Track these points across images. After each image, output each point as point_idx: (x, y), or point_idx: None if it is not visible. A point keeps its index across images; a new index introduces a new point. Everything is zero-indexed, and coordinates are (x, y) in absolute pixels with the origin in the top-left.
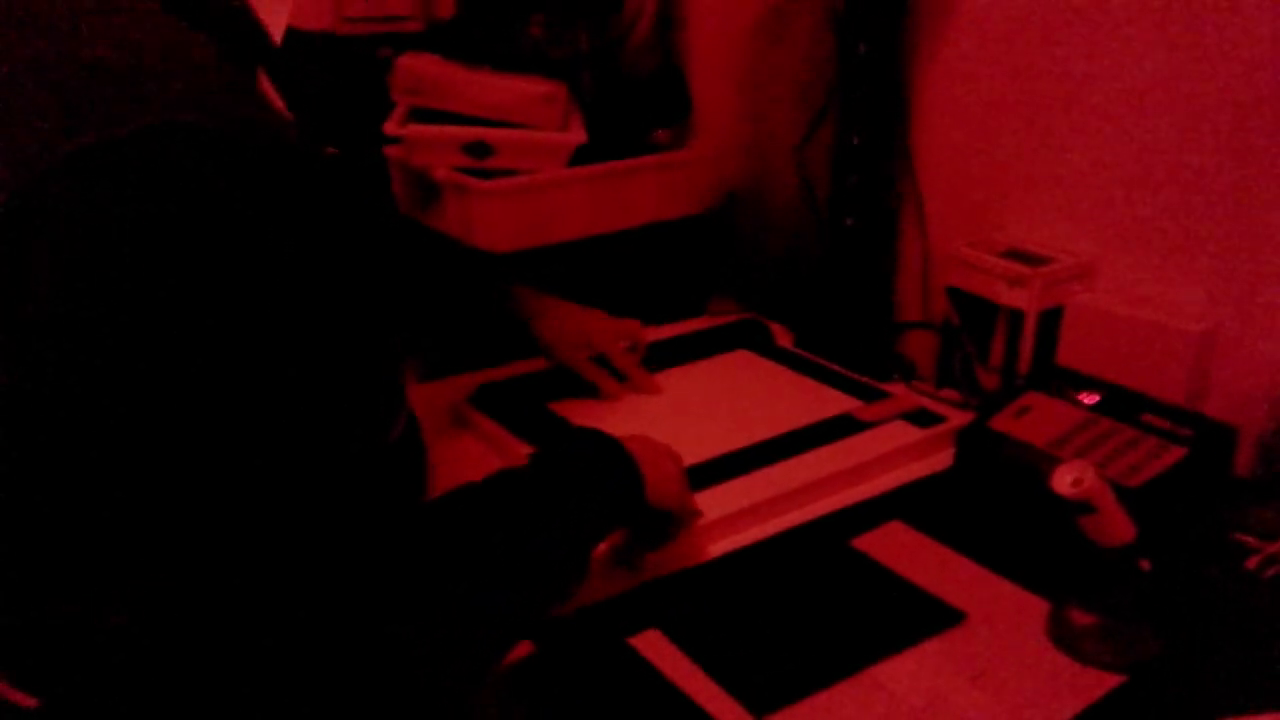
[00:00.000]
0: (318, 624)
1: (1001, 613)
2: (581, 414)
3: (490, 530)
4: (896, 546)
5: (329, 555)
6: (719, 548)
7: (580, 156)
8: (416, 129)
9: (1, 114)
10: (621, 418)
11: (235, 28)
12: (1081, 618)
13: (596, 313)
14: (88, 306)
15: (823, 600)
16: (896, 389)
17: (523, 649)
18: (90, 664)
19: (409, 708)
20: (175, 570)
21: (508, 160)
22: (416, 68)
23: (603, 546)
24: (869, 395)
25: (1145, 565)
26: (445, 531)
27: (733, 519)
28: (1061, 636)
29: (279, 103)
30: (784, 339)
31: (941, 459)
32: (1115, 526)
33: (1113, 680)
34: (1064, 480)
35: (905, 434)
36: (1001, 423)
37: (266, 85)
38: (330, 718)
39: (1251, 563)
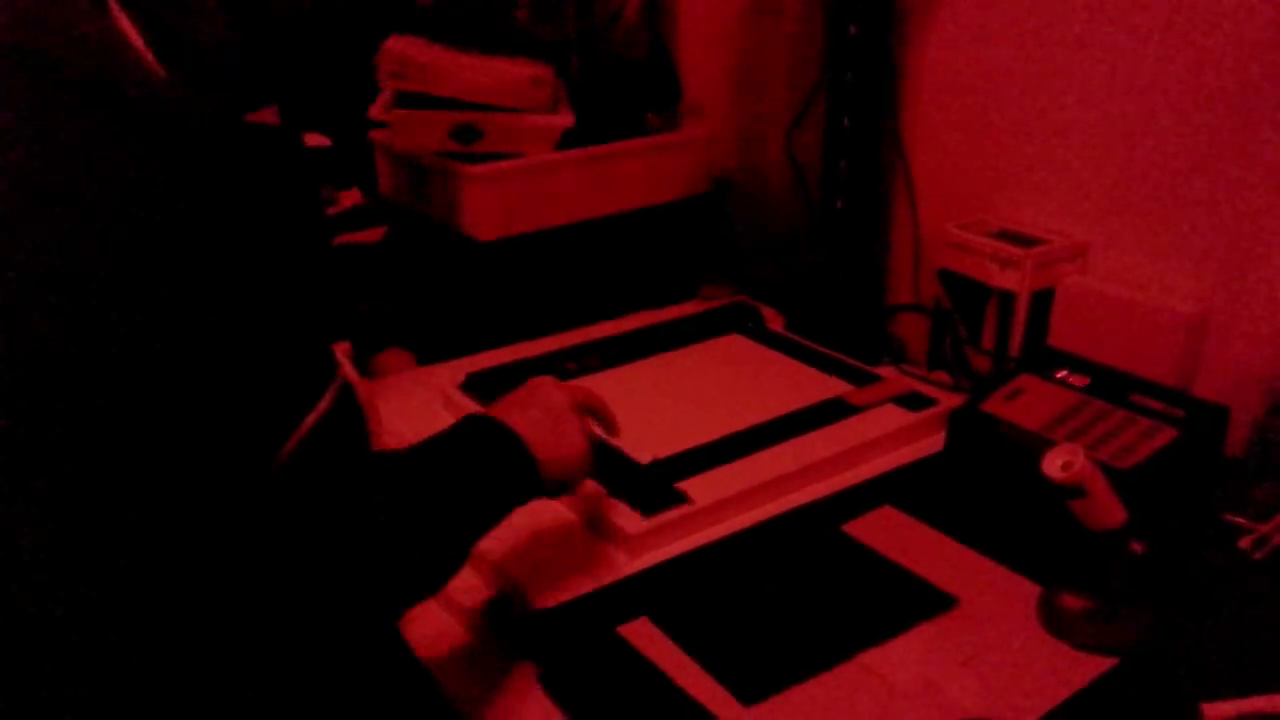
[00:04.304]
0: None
1: (993, 597)
2: None
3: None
4: (888, 531)
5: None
6: (709, 534)
7: (569, 140)
8: (403, 113)
9: None
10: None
11: None
12: (1073, 601)
13: None
14: None
15: (813, 586)
16: (888, 372)
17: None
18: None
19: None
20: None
21: (496, 144)
22: (403, 51)
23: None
24: (860, 379)
25: (1138, 548)
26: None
27: (723, 505)
28: (1053, 620)
29: (139, 43)
30: (775, 323)
31: (933, 443)
32: (1106, 510)
33: (1104, 663)
34: (1054, 464)
35: (896, 418)
36: (993, 406)
37: (125, 23)
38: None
39: (1244, 543)
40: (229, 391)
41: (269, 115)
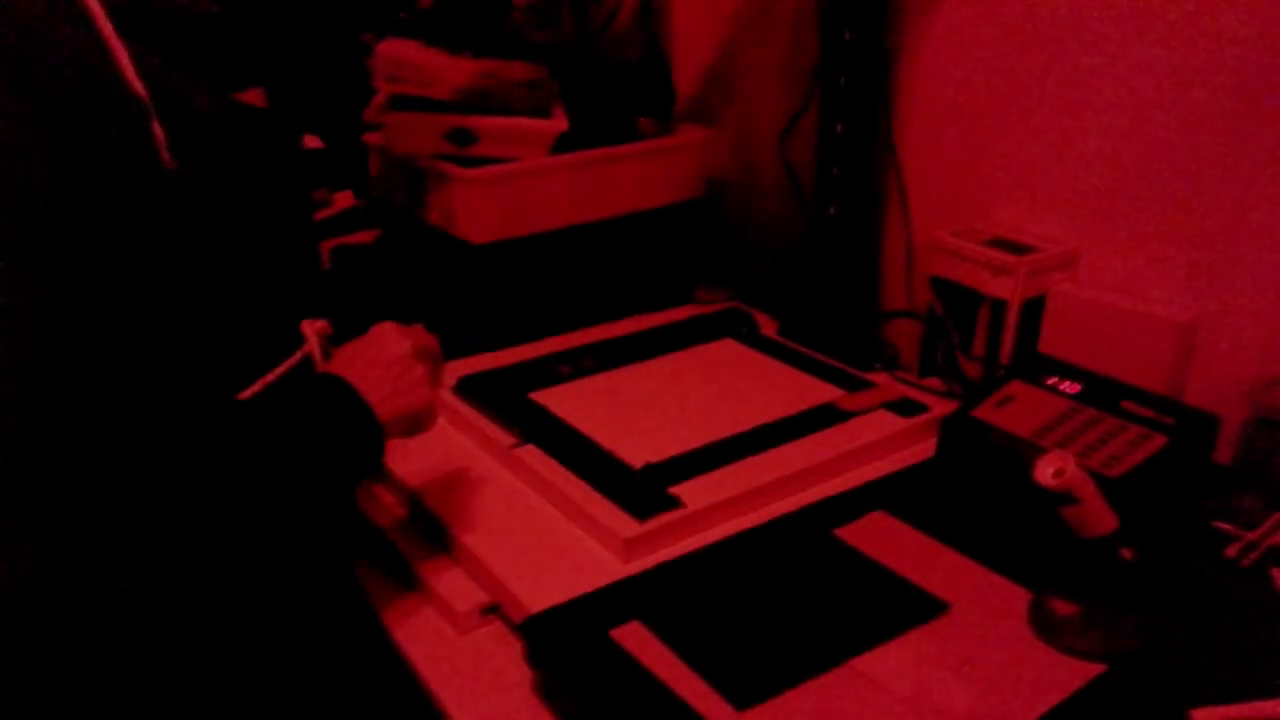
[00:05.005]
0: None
1: (984, 603)
2: (563, 403)
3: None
4: (879, 537)
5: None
6: (701, 539)
7: (563, 144)
8: (397, 116)
9: None
10: (601, 406)
11: None
12: (1063, 608)
13: None
14: None
15: (805, 591)
16: (880, 378)
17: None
18: None
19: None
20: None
21: (490, 148)
22: (397, 54)
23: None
24: (852, 384)
25: (1128, 555)
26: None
27: (715, 509)
28: (1043, 626)
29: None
30: (768, 328)
31: (924, 449)
32: (1097, 517)
33: (1094, 669)
34: (1046, 471)
35: (888, 423)
36: (984, 412)
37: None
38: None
39: (1231, 550)
40: (174, 353)
41: (255, 98)
